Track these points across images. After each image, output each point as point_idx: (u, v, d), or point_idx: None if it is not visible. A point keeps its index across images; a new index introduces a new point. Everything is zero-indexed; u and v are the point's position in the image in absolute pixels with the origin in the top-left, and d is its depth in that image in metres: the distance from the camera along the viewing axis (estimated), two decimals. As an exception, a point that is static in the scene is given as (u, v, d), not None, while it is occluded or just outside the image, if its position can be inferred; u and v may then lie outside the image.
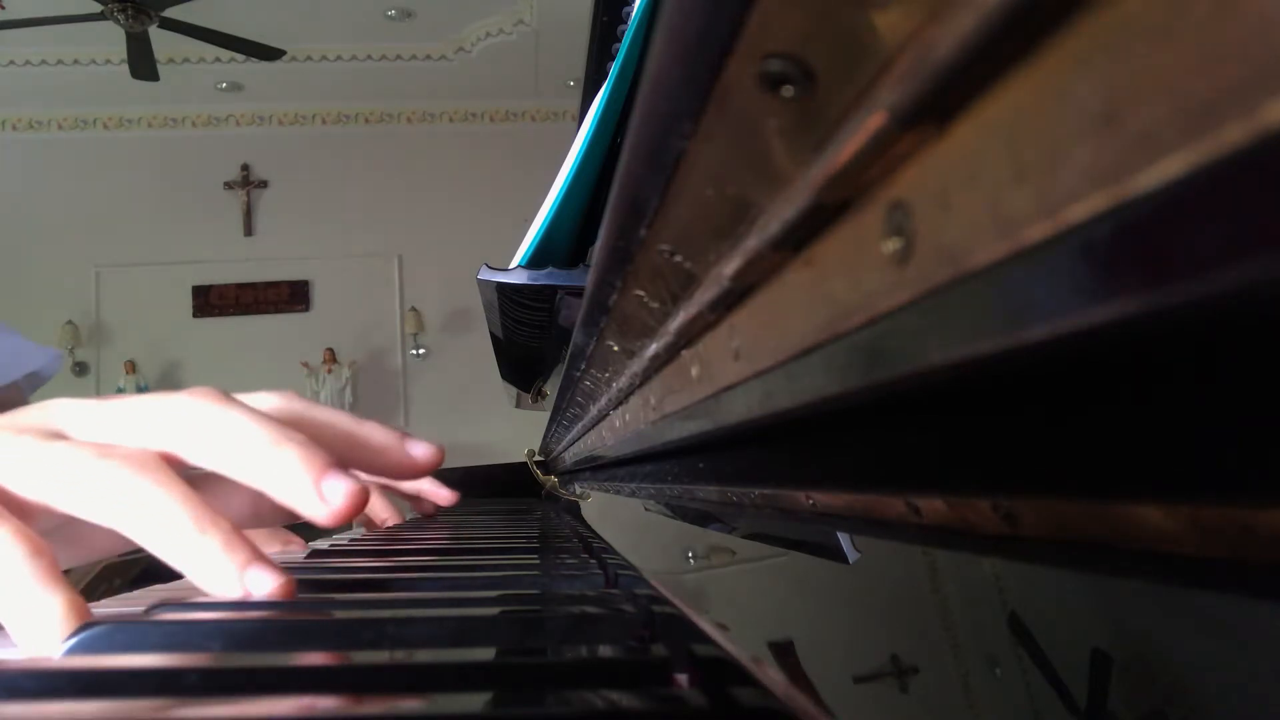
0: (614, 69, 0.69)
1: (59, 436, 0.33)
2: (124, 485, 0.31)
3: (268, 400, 0.41)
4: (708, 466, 0.31)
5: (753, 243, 0.16)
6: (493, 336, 1.02)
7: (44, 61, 4.93)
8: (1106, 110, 0.07)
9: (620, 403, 0.42)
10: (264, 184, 5.70)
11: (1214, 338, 0.08)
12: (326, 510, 0.33)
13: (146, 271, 5.47)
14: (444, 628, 0.28)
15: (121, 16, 3.91)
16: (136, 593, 0.51)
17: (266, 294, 5.60)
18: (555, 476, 1.22)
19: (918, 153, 0.11)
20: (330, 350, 5.40)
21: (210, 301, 5.56)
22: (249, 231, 5.66)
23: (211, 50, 4.74)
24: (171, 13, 4.01)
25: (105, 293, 5.49)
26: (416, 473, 0.43)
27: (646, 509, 0.48)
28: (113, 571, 2.33)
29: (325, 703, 0.22)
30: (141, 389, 5.27)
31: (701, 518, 0.34)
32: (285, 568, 0.34)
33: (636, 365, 0.32)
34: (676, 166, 0.17)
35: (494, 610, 0.33)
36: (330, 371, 5.38)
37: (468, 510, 1.21)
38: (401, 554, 0.62)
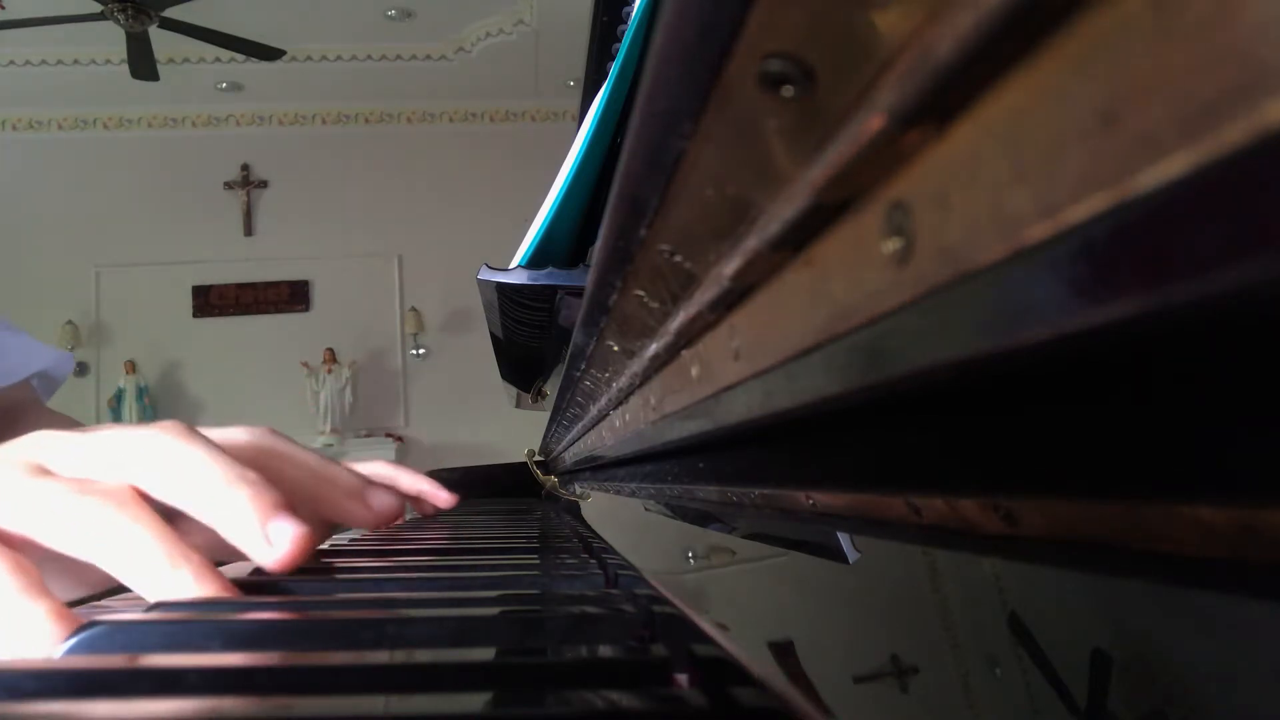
0: (614, 69, 0.69)
1: (42, 471, 0.34)
2: (101, 521, 0.32)
3: (239, 436, 0.41)
4: (708, 466, 0.31)
5: (753, 243, 0.16)
6: (493, 336, 1.02)
7: (44, 61, 4.93)
8: (1106, 110, 0.07)
9: (620, 403, 0.42)
10: (264, 184, 5.70)
11: (1214, 338, 0.08)
12: (271, 554, 0.34)
13: (146, 271, 5.48)
14: (444, 628, 0.28)
15: (121, 16, 3.91)
16: (137, 593, 0.51)
17: (266, 294, 5.60)
18: (555, 476, 1.22)
19: (918, 153, 0.11)
20: (330, 350, 5.40)
21: (210, 301, 5.56)
22: (249, 231, 5.66)
23: (211, 50, 4.74)
24: (171, 13, 4.01)
25: (105, 293, 5.49)
26: (373, 523, 0.43)
27: (646, 509, 0.48)
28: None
29: (326, 703, 0.22)
30: (141, 389, 5.28)
31: (701, 518, 0.34)
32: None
33: (636, 365, 0.32)
34: (676, 166, 0.17)
35: (494, 610, 0.33)
36: (330, 371, 5.38)
37: (468, 510, 1.21)
38: (401, 554, 0.62)
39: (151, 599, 0.33)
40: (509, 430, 3.44)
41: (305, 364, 5.37)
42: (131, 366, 5.31)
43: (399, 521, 0.51)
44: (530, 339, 0.92)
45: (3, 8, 3.86)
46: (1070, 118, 0.08)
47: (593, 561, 0.49)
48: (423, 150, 5.70)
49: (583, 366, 0.46)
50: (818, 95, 0.12)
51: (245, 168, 5.67)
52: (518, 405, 1.57)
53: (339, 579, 0.45)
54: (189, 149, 5.63)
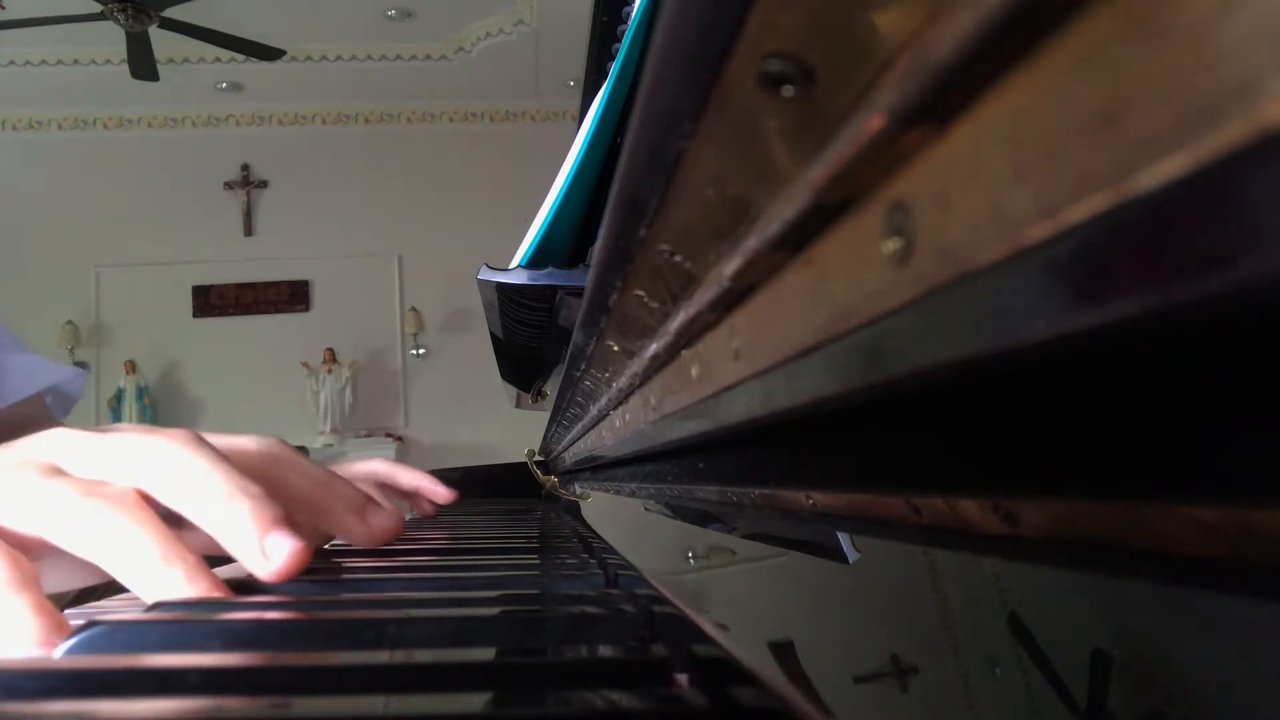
0: (614, 69, 0.69)
1: (56, 471, 0.36)
2: (103, 523, 0.34)
3: (248, 446, 0.43)
4: (708, 466, 0.31)
5: (753, 243, 0.16)
6: (493, 336, 1.02)
7: (44, 61, 4.93)
8: (1106, 110, 0.07)
9: (620, 403, 0.42)
10: (264, 184, 5.70)
11: (1214, 338, 0.08)
12: (266, 567, 0.35)
13: (146, 271, 5.47)
14: (444, 628, 0.28)
15: (121, 16, 3.91)
16: (134, 592, 0.51)
17: (266, 294, 5.60)
18: (555, 476, 1.22)
19: (918, 153, 0.11)
20: (330, 350, 5.40)
21: (210, 301, 5.56)
22: (249, 231, 5.66)
23: (211, 50, 4.74)
24: (171, 13, 4.01)
25: (105, 293, 5.49)
26: (369, 542, 0.45)
27: (646, 509, 0.48)
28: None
29: (326, 703, 0.22)
30: (141, 389, 5.28)
31: (701, 518, 0.34)
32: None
33: (636, 365, 0.32)
34: (676, 166, 0.17)
35: (494, 610, 0.33)
36: (330, 371, 5.38)
37: (468, 510, 1.21)
38: (401, 554, 0.62)
39: (147, 598, 0.34)
40: (509, 430, 3.44)
41: (305, 364, 5.37)
42: (131, 366, 5.31)
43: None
44: (530, 339, 0.92)
45: (2, 7, 3.86)
46: (1070, 118, 0.08)
47: (593, 561, 0.49)
48: (423, 150, 5.70)
49: (583, 366, 0.46)
50: (818, 95, 0.12)
51: (245, 168, 5.67)
52: (518, 405, 1.57)
53: (339, 579, 0.45)
54: (189, 149, 5.63)
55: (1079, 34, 0.07)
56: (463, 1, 4.81)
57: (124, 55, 4.31)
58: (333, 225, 5.61)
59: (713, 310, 0.21)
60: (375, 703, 0.22)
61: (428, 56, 5.26)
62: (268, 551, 0.35)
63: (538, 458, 1.31)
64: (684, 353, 0.26)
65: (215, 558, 0.37)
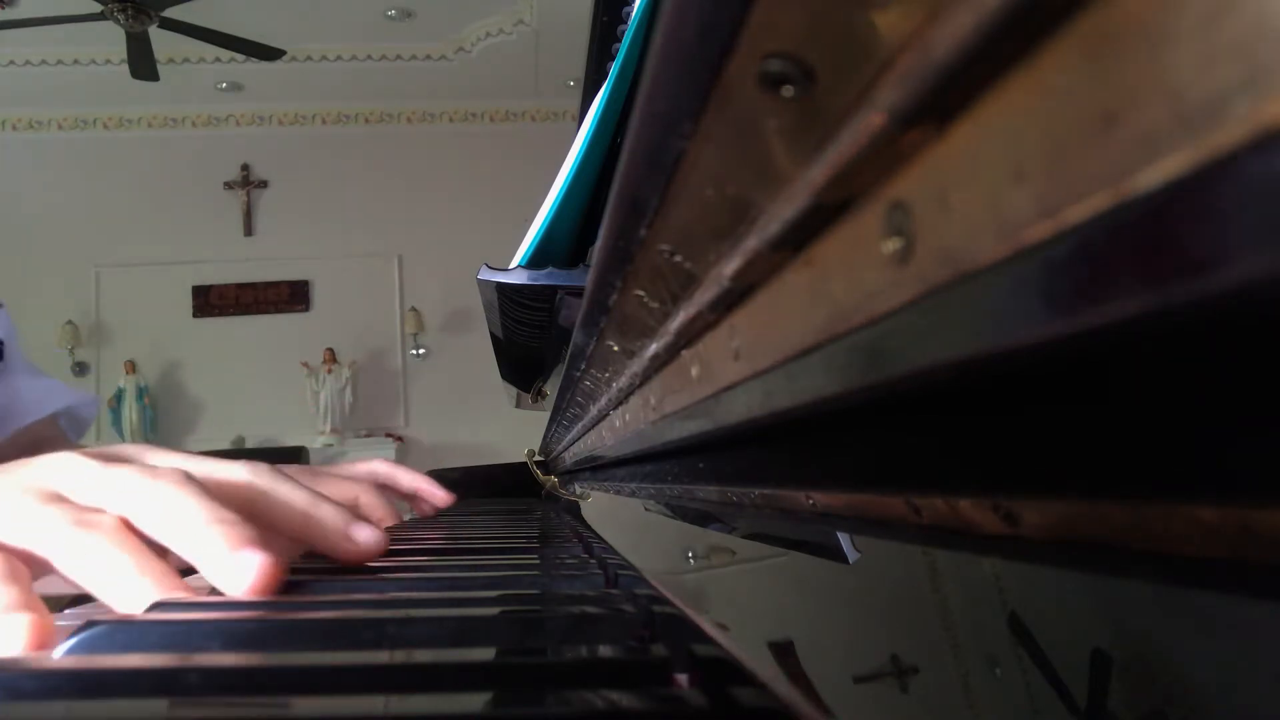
0: (614, 69, 0.69)
1: (56, 497, 0.40)
2: (88, 548, 0.38)
3: (238, 476, 0.46)
4: (708, 466, 0.31)
5: (753, 243, 0.16)
6: (493, 336, 1.02)
7: (44, 61, 4.93)
8: (1106, 110, 0.07)
9: (620, 403, 0.42)
10: (264, 184, 5.70)
11: (1214, 338, 0.08)
12: (239, 583, 0.37)
13: (146, 271, 5.48)
14: (444, 628, 0.28)
15: (121, 16, 3.91)
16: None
17: (266, 294, 5.60)
18: (555, 476, 1.22)
19: (918, 153, 0.11)
20: (330, 350, 5.40)
21: (210, 301, 5.56)
22: (249, 231, 5.66)
23: (211, 50, 4.74)
24: (171, 13, 4.01)
25: (105, 293, 5.49)
26: (357, 560, 0.47)
27: (646, 509, 0.48)
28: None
29: (326, 703, 0.22)
30: (141, 389, 5.28)
31: (701, 518, 0.34)
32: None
33: (636, 365, 0.32)
34: (676, 166, 0.17)
35: (494, 610, 0.33)
36: (330, 371, 5.38)
37: (468, 510, 1.21)
38: (401, 554, 0.62)
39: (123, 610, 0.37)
40: (509, 430, 3.44)
41: (305, 364, 5.37)
42: (131, 366, 5.31)
43: (381, 546, 0.53)
44: (530, 339, 0.92)
45: (5, 5, 3.86)
46: (1070, 118, 0.08)
47: (593, 561, 0.49)
48: (423, 150, 5.70)
49: (583, 366, 0.46)
50: (818, 95, 0.12)
51: (245, 168, 5.67)
52: (518, 405, 1.57)
53: (339, 579, 0.45)
54: (189, 149, 5.63)
55: (1079, 34, 0.07)
56: (463, 1, 4.81)
57: (124, 55, 4.31)
58: (333, 225, 5.61)
59: (713, 310, 0.21)
60: (375, 703, 0.22)
61: (428, 56, 5.26)
62: (239, 568, 0.37)
63: (538, 458, 1.31)
64: (684, 353, 0.26)
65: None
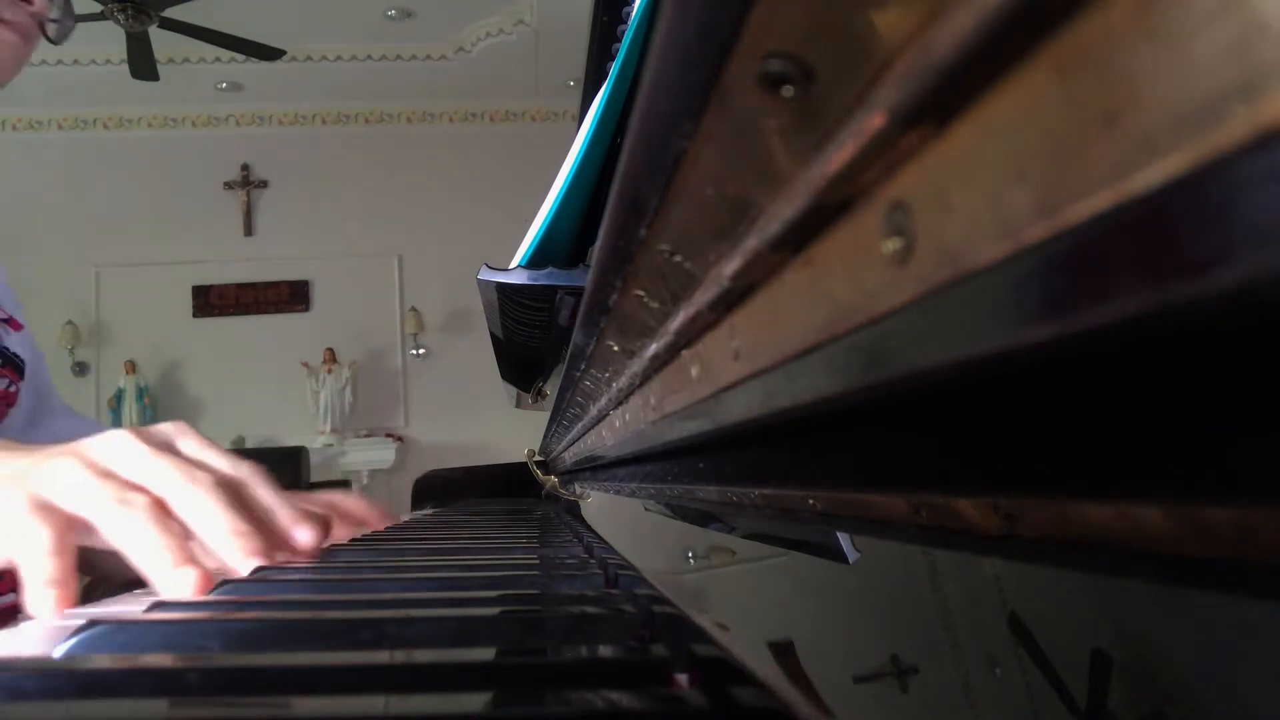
0: (614, 69, 0.69)
1: (107, 473, 0.50)
2: (130, 522, 0.47)
3: (223, 469, 0.55)
4: (708, 466, 0.31)
5: (753, 243, 0.16)
6: (493, 336, 1.02)
7: (44, 61, 4.92)
8: (1106, 110, 0.07)
9: (620, 403, 0.42)
10: (264, 184, 5.70)
11: (1214, 338, 0.08)
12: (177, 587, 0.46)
13: (146, 271, 5.47)
14: (444, 628, 0.28)
15: (121, 16, 3.91)
16: (136, 593, 0.51)
17: (266, 294, 5.60)
18: (555, 476, 1.22)
19: (918, 153, 0.11)
20: (330, 350, 5.40)
21: (210, 301, 5.56)
22: (249, 231, 5.66)
23: (211, 50, 4.74)
24: (171, 13, 4.01)
25: (105, 293, 5.48)
26: (294, 551, 0.56)
27: (646, 509, 0.48)
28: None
29: (326, 703, 0.22)
30: (141, 389, 5.27)
31: (701, 518, 0.34)
32: (284, 567, 0.35)
33: (636, 365, 0.32)
34: (676, 166, 0.17)
35: (494, 610, 0.33)
36: (330, 371, 5.37)
37: (468, 510, 1.21)
38: (402, 554, 0.62)
39: (155, 579, 0.46)
40: (509, 430, 3.44)
41: (305, 364, 5.37)
42: (131, 366, 5.31)
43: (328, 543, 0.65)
44: (530, 339, 0.92)
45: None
46: (1069, 118, 0.08)
47: (593, 561, 0.49)
48: (423, 150, 5.70)
49: (583, 366, 0.46)
50: (817, 95, 0.12)
51: (245, 168, 5.67)
52: (518, 405, 1.57)
53: (339, 579, 0.45)
54: (189, 149, 5.62)
55: (1079, 34, 0.07)
56: (463, 1, 4.80)
57: (124, 55, 4.31)
58: (333, 225, 5.61)
59: (713, 310, 0.21)
60: (375, 703, 0.22)
61: (428, 56, 5.26)
62: (248, 568, 0.48)
63: (538, 458, 1.31)
64: (684, 353, 0.26)
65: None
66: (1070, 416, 0.11)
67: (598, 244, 0.27)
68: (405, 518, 1.14)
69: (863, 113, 0.11)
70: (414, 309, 5.57)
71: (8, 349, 0.87)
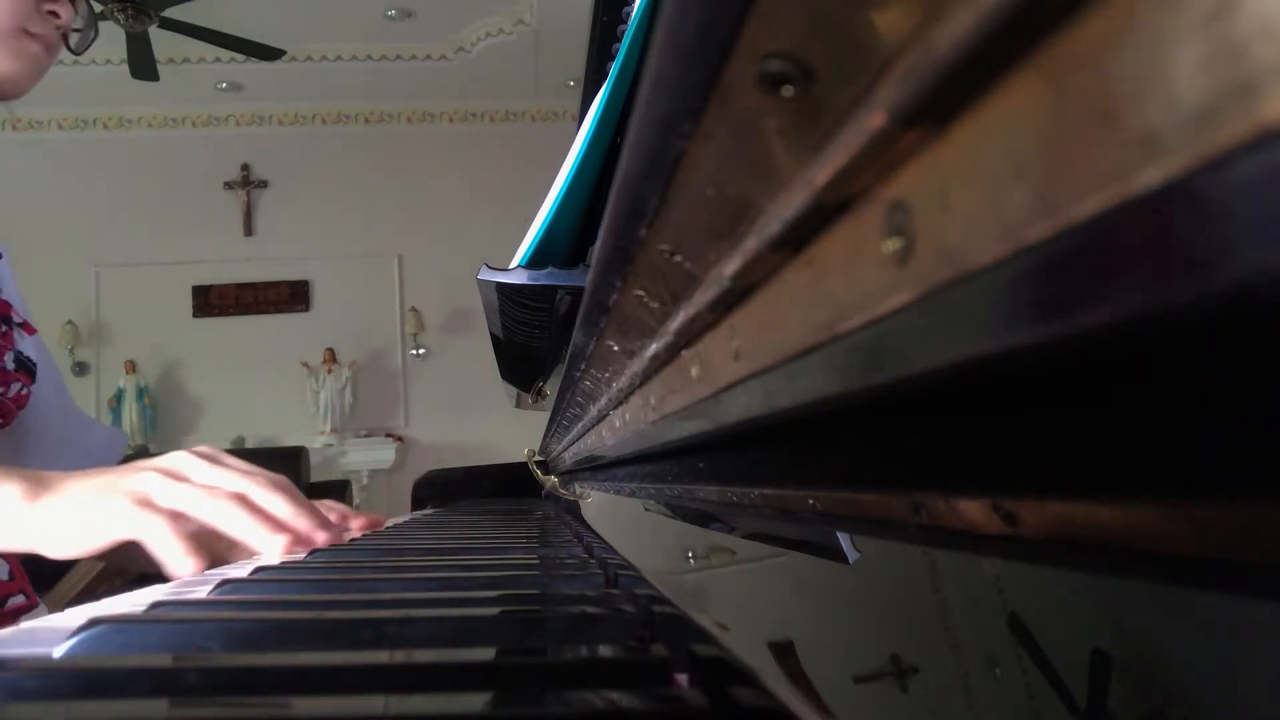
0: (614, 69, 0.69)
1: (183, 478, 0.66)
2: (224, 507, 0.64)
3: (279, 479, 0.72)
4: (708, 466, 0.31)
5: (752, 243, 0.16)
6: (493, 336, 1.02)
7: (44, 61, 4.91)
8: (1106, 110, 0.07)
9: (620, 403, 0.42)
10: (264, 184, 5.70)
11: (1214, 338, 0.08)
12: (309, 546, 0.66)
13: (146, 271, 5.47)
14: (444, 628, 0.28)
15: (121, 16, 3.91)
16: (136, 593, 0.51)
17: (266, 294, 5.60)
18: (555, 476, 1.22)
19: (918, 153, 0.11)
20: (330, 350, 5.40)
21: (210, 301, 5.56)
22: (249, 231, 5.66)
23: (211, 50, 4.74)
24: (171, 13, 4.01)
25: (105, 293, 5.48)
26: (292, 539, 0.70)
27: (646, 509, 0.48)
28: (113, 571, 2.33)
29: (326, 703, 0.22)
30: (141, 389, 5.27)
31: (701, 518, 0.34)
32: (287, 567, 0.35)
33: (636, 365, 0.32)
34: (676, 166, 0.17)
35: (494, 610, 0.33)
36: (330, 371, 5.37)
37: (468, 510, 1.21)
38: (402, 554, 0.62)
39: (257, 545, 0.63)
40: (509, 430, 3.44)
41: (305, 364, 5.37)
42: (131, 366, 5.31)
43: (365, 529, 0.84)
44: (530, 339, 0.92)
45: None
46: (1070, 118, 0.08)
47: (592, 561, 0.49)
48: (423, 150, 5.70)
49: (583, 366, 0.46)
50: (817, 95, 0.12)
51: (245, 168, 5.67)
52: (518, 405, 1.57)
53: (339, 579, 0.45)
54: (189, 149, 5.62)
55: (1079, 34, 0.07)
56: (463, 1, 4.80)
57: (124, 55, 4.31)
58: (333, 225, 5.61)
59: (713, 310, 0.21)
60: (375, 703, 0.22)
61: (428, 56, 5.26)
62: (313, 544, 0.66)
63: (538, 458, 1.31)
64: (684, 353, 0.26)
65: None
66: (1070, 416, 0.11)
67: (598, 244, 0.27)
68: (405, 518, 1.14)
69: (863, 113, 0.11)
70: (414, 309, 5.57)
71: (22, 353, 0.90)
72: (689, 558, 0.36)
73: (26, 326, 0.95)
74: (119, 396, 5.27)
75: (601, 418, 0.52)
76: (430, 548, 0.66)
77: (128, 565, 0.84)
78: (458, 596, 0.37)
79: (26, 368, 0.91)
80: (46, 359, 0.97)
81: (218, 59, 5.04)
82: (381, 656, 0.26)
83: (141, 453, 4.85)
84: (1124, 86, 0.07)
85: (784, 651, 0.22)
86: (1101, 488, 0.10)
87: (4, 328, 0.89)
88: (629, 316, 0.28)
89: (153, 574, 0.65)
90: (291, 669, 0.24)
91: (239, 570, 0.51)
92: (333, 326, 5.52)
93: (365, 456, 5.33)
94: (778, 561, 0.25)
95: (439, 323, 5.60)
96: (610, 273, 0.26)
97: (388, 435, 5.46)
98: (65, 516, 0.63)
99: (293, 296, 5.62)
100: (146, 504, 0.62)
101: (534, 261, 0.74)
